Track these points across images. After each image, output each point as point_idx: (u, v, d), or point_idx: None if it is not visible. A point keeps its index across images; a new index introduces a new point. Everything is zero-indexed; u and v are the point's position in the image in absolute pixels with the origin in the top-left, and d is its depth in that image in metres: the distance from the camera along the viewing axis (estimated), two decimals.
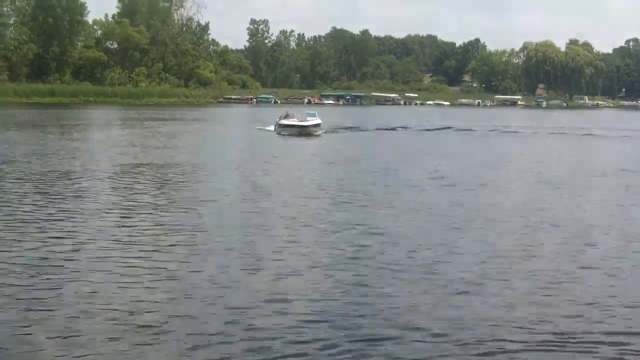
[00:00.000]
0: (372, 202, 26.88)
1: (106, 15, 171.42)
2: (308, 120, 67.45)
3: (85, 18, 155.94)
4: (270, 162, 42.63)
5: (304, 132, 65.67)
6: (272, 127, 71.13)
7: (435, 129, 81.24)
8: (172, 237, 19.99)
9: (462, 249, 19.37)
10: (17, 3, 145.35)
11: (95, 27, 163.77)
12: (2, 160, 37.68)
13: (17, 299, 14.05)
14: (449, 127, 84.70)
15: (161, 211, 23.88)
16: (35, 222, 21.41)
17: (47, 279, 15.49)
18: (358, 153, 50.36)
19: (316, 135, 66.32)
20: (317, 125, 67.96)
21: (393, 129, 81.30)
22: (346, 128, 78.86)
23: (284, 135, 64.75)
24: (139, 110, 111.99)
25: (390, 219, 23.40)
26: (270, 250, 18.64)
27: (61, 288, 14.86)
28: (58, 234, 19.91)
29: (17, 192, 27.18)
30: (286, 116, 68.89)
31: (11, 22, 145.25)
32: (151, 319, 13.12)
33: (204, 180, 33.04)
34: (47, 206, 24.12)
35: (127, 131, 65.72)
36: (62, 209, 23.65)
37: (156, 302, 14.10)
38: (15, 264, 16.58)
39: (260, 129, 73.17)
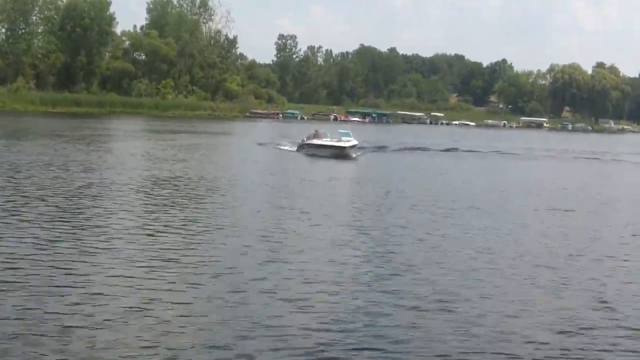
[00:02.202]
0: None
1: (134, 27, 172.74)
2: (343, 141, 59.62)
3: (114, 29, 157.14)
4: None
5: (341, 154, 57.71)
6: (288, 146, 66.75)
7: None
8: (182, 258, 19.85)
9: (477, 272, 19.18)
10: (45, 12, 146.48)
11: (123, 38, 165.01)
12: (8, 168, 38.06)
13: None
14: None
15: (168, 230, 23.65)
16: (42, 237, 21.36)
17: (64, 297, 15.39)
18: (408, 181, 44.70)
19: (353, 159, 58.59)
20: (354, 146, 60.25)
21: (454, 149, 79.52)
22: (380, 147, 75.71)
23: (313, 156, 58.20)
24: (164, 122, 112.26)
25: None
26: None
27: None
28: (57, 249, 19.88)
29: (17, 204, 27.10)
30: (315, 135, 62.23)
31: (39, 30, 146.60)
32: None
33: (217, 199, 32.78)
34: (40, 221, 23.98)
35: (146, 143, 65.41)
36: (59, 221, 23.72)
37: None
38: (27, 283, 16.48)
39: (278, 148, 68.03)
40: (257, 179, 42.47)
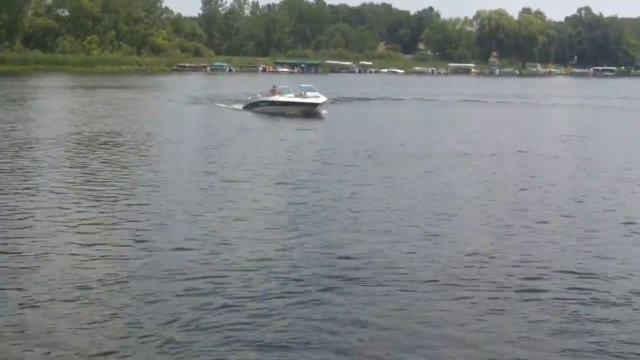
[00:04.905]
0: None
1: None
2: (311, 97, 52.93)
3: None
4: None
5: (312, 112, 52.06)
6: (223, 103, 62.79)
7: None
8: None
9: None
10: None
11: None
12: None
13: None
14: None
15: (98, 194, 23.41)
16: None
17: None
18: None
19: (322, 117, 52.52)
20: (324, 103, 53.71)
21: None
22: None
23: (273, 114, 51.98)
24: (90, 78, 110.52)
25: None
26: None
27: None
28: None
29: None
30: (273, 91, 55.72)
31: None
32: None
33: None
34: None
35: (72, 99, 64.41)
36: None
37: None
38: None
39: (224, 106, 61.40)
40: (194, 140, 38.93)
